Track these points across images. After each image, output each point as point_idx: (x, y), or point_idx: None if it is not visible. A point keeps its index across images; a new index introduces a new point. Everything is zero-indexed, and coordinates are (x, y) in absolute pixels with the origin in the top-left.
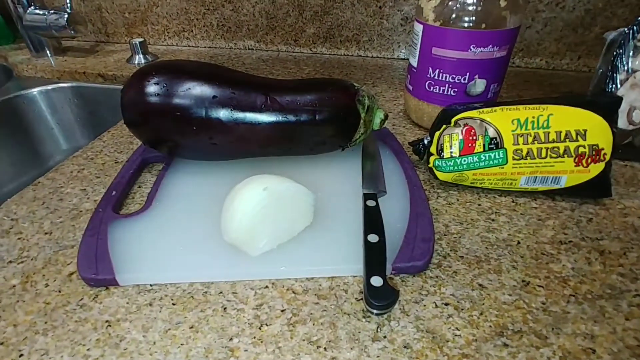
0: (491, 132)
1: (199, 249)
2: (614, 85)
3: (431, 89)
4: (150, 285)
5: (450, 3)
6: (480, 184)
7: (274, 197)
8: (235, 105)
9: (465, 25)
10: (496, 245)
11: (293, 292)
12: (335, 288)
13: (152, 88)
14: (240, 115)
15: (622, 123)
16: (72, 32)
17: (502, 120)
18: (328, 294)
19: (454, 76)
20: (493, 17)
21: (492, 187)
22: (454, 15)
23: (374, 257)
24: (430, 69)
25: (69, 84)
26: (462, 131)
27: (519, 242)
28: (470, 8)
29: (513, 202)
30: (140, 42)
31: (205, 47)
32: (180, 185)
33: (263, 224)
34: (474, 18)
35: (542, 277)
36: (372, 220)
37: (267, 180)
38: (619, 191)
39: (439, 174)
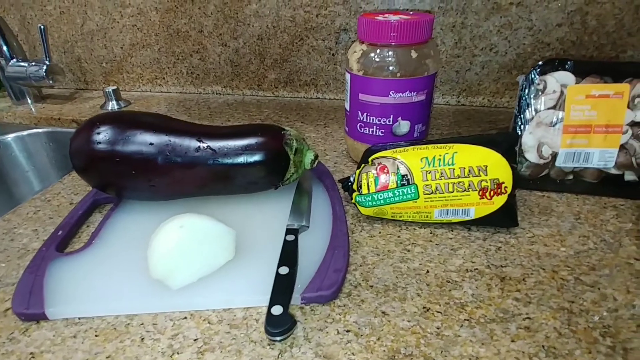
0: (402, 170)
1: (127, 283)
2: (522, 124)
3: (362, 130)
4: (79, 319)
5: (371, 55)
6: (400, 217)
7: (191, 234)
8: (170, 151)
9: (384, 74)
10: (406, 274)
11: (209, 322)
12: (249, 318)
13: (95, 137)
14: (175, 159)
15: (534, 158)
16: (51, 81)
17: (412, 158)
18: (240, 323)
19: (380, 118)
20: (408, 67)
21: (411, 219)
22: (373, 66)
23: (280, 288)
24: (359, 112)
25: (43, 130)
26: (376, 169)
27: (428, 271)
28: (387, 60)
29: (431, 233)
30: (113, 90)
31: (176, 92)
32: (123, 224)
33: (181, 259)
34: (390, 68)
35: (442, 304)
36: (287, 254)
37: (185, 219)
38: (532, 220)
39: (361, 209)
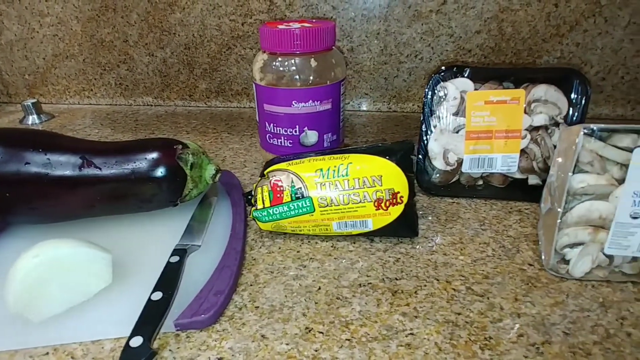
0: (297, 183)
1: None
2: (428, 131)
3: (271, 141)
4: None
5: (272, 64)
6: (300, 231)
7: (48, 262)
8: (50, 170)
9: (285, 84)
10: (297, 292)
11: (72, 357)
12: (117, 350)
13: None
14: (56, 179)
15: (441, 164)
16: None
17: (307, 170)
18: (107, 356)
19: (286, 129)
20: (308, 76)
21: (312, 233)
22: (274, 76)
23: (148, 316)
24: (266, 123)
25: None
26: (270, 183)
27: (319, 288)
28: (286, 69)
29: (332, 246)
30: (32, 103)
31: (106, 104)
32: (1, 251)
33: (40, 290)
34: (291, 77)
35: (327, 323)
36: (166, 278)
37: (42, 248)
38: (437, 228)
39: (260, 224)
